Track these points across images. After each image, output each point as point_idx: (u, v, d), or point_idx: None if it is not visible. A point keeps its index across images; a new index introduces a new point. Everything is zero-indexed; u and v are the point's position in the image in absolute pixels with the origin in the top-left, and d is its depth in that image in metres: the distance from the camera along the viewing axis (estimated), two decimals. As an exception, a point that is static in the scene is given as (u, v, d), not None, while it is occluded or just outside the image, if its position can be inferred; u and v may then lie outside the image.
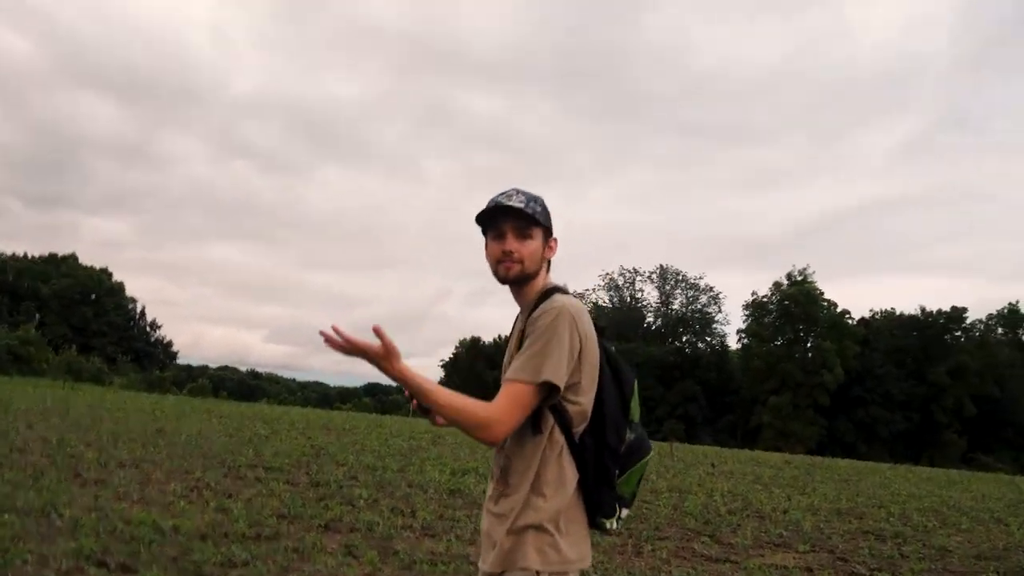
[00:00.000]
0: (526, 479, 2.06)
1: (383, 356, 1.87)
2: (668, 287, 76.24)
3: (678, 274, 75.80)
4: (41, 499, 6.99)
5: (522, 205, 2.14)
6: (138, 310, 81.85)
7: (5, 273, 74.18)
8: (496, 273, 2.21)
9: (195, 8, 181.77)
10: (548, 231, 2.22)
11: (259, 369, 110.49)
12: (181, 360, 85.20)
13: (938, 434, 61.43)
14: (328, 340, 1.85)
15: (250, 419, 22.94)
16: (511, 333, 2.29)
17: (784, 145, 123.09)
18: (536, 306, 2.11)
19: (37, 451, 10.45)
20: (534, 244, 2.17)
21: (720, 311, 73.76)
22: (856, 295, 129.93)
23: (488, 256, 2.22)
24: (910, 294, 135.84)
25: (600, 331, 2.18)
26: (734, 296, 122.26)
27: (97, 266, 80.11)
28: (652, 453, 2.25)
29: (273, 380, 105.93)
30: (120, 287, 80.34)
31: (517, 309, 2.27)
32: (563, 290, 2.18)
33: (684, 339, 74.18)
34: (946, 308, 65.16)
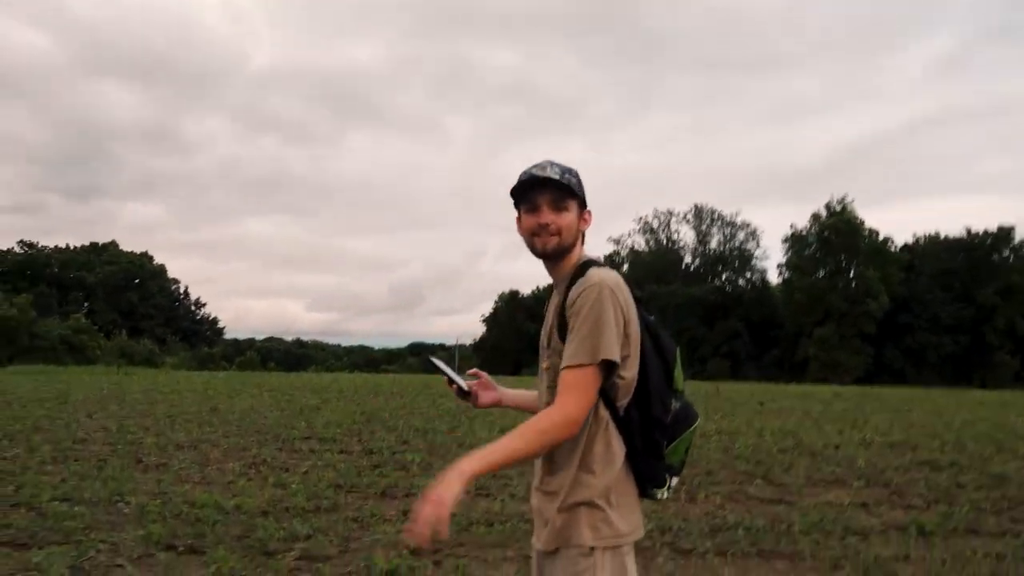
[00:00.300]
0: (574, 456, 2.06)
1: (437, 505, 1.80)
2: (704, 226, 75.45)
3: (713, 212, 74.94)
4: (107, 488, 7.23)
5: (557, 176, 2.12)
6: (182, 290, 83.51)
7: (51, 266, 75.84)
8: (532, 247, 2.19)
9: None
10: (583, 203, 2.19)
11: (304, 337, 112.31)
12: (228, 335, 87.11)
13: (989, 355, 60.47)
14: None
15: (299, 390, 23.37)
16: (547, 307, 2.29)
17: (812, 72, 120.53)
18: (572, 281, 2.09)
19: (99, 440, 10.78)
20: (570, 216, 2.15)
21: (758, 247, 72.97)
22: (899, 221, 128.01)
23: (522, 230, 2.20)
24: (955, 216, 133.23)
25: (638, 300, 2.17)
26: (772, 231, 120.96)
27: (137, 251, 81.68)
28: (699, 421, 2.24)
29: (319, 347, 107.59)
30: (162, 269, 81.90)
31: None
32: (598, 263, 2.15)
33: (724, 277, 73.55)
34: (992, 228, 63.69)
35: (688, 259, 76.02)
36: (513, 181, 2.20)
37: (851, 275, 63.72)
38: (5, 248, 76.72)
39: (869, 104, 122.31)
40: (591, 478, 2.04)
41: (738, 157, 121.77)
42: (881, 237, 64.49)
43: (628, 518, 2.08)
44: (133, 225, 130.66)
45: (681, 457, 2.21)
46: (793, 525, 6.40)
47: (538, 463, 2.22)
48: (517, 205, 2.22)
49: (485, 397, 2.52)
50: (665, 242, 76.57)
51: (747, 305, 67.99)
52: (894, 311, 60.84)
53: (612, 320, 1.98)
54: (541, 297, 72.13)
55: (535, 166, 2.16)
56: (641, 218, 77.29)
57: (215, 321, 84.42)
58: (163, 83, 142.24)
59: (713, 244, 75.05)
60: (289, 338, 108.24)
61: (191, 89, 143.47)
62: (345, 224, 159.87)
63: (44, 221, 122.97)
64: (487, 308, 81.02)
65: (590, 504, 2.03)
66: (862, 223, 64.09)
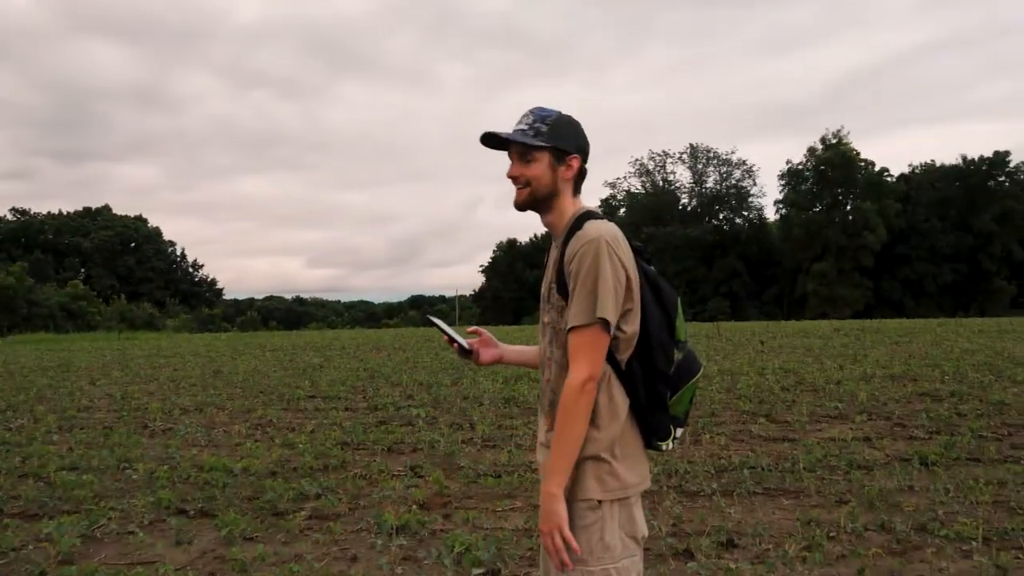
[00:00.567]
0: None
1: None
2: (700, 166, 74.97)
3: (709, 151, 74.37)
4: (115, 455, 7.27)
5: (517, 130, 2.12)
6: (179, 252, 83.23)
7: (45, 232, 75.50)
8: None
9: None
10: (560, 151, 2.12)
11: (304, 295, 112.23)
12: (227, 296, 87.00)
13: (987, 282, 60.76)
14: None
15: (302, 348, 23.45)
16: (547, 258, 2.25)
17: (804, 2, 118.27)
18: (570, 235, 2.05)
19: (104, 407, 10.83)
20: (539, 167, 2.11)
21: (755, 184, 72.61)
22: (894, 151, 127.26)
23: None
24: (950, 143, 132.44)
25: (638, 251, 2.13)
26: (769, 167, 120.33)
27: (132, 214, 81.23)
28: (702, 371, 2.22)
29: (319, 304, 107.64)
30: (157, 232, 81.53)
31: None
32: (596, 215, 2.11)
33: (721, 216, 73.34)
34: (988, 154, 63.34)
35: (685, 200, 75.77)
36: (507, 128, 2.16)
37: (848, 208, 63.62)
38: (-2, 216, 76.38)
39: (862, 32, 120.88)
40: (595, 432, 2.02)
41: (733, 92, 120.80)
42: (877, 169, 64.24)
43: (635, 469, 2.07)
44: (126, 188, 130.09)
45: (686, 407, 2.19)
46: (797, 462, 6.45)
47: (541, 418, 2.21)
48: None
49: (487, 354, 2.50)
50: (661, 183, 76.17)
51: (745, 243, 68.01)
52: (892, 243, 60.92)
53: (611, 277, 1.95)
54: (540, 245, 72.06)
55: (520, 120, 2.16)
56: (636, 160, 76.90)
57: (214, 282, 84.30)
58: (149, 40, 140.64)
59: (709, 183, 74.71)
60: (289, 296, 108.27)
61: (178, 46, 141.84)
62: (341, 178, 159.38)
63: (36, 186, 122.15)
64: (486, 258, 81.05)
65: (596, 458, 2.02)
66: (858, 155, 63.83)
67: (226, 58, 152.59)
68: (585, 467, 2.03)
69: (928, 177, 65.50)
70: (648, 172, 76.26)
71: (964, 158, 64.18)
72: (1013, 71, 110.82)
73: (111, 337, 37.81)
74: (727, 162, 73.92)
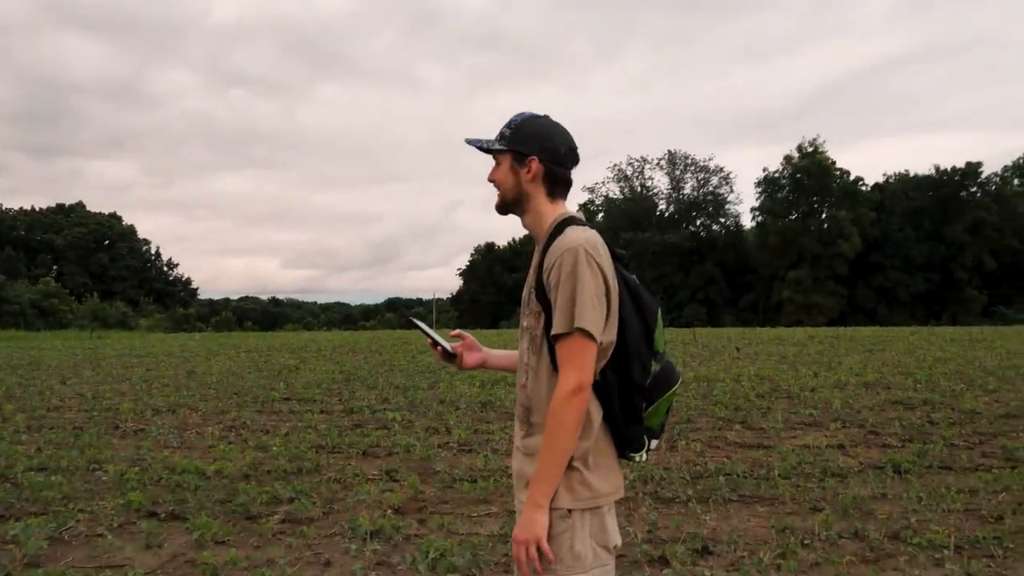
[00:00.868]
0: None
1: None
2: (678, 172, 75.24)
3: (687, 158, 74.68)
4: (84, 456, 7.16)
5: (482, 139, 2.16)
6: (153, 251, 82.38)
7: (16, 228, 74.48)
8: None
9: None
10: (518, 152, 2.11)
11: (280, 296, 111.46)
12: (202, 295, 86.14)
13: (959, 291, 61.48)
14: None
15: (277, 350, 23.27)
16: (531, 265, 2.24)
17: (784, 9, 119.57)
18: (550, 241, 2.04)
19: (74, 407, 10.67)
20: (501, 170, 2.14)
21: (732, 191, 72.93)
22: (869, 160, 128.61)
23: None
24: (924, 153, 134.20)
25: (619, 259, 2.11)
26: (746, 174, 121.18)
27: (106, 211, 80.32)
28: (680, 382, 2.20)
29: (295, 305, 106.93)
30: (132, 230, 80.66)
31: None
32: (577, 221, 2.09)
33: (698, 223, 73.65)
34: (960, 164, 64.16)
35: (663, 206, 75.99)
36: (486, 131, 2.17)
37: (823, 217, 64.18)
38: (-32, 212, 75.23)
39: (838, 42, 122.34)
40: None
41: (711, 99, 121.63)
42: (852, 178, 64.88)
43: (608, 479, 2.05)
44: (101, 184, 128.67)
45: (661, 419, 2.16)
46: (772, 469, 6.48)
47: (517, 423, 2.18)
48: None
49: (470, 358, 2.47)
50: (639, 189, 76.37)
51: (722, 250, 68.39)
52: (866, 251, 61.53)
53: (590, 285, 1.93)
54: (518, 249, 72.06)
55: None
56: (615, 165, 77.14)
57: (188, 281, 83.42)
58: (127, 36, 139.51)
59: (687, 190, 75.01)
60: (265, 297, 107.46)
61: (156, 42, 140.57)
62: (319, 178, 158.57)
63: (8, 182, 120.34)
64: (464, 261, 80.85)
65: (568, 466, 2.00)
66: (833, 164, 64.39)
67: (204, 55, 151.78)
68: None
69: (902, 187, 66.22)
70: (626, 178, 76.50)
71: (937, 168, 64.94)
72: (985, 83, 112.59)
73: (83, 336, 37.30)
74: (705, 169, 74.32)
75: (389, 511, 5.41)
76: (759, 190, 67.54)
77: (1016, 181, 66.41)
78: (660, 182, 77.00)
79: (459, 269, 79.56)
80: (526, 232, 2.22)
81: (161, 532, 4.98)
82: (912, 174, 66.93)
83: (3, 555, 4.52)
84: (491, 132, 2.18)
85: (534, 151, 2.10)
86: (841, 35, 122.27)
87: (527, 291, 2.14)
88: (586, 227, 2.05)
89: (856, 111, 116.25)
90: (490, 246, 77.33)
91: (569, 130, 2.18)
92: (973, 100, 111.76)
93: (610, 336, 2.01)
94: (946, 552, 4.46)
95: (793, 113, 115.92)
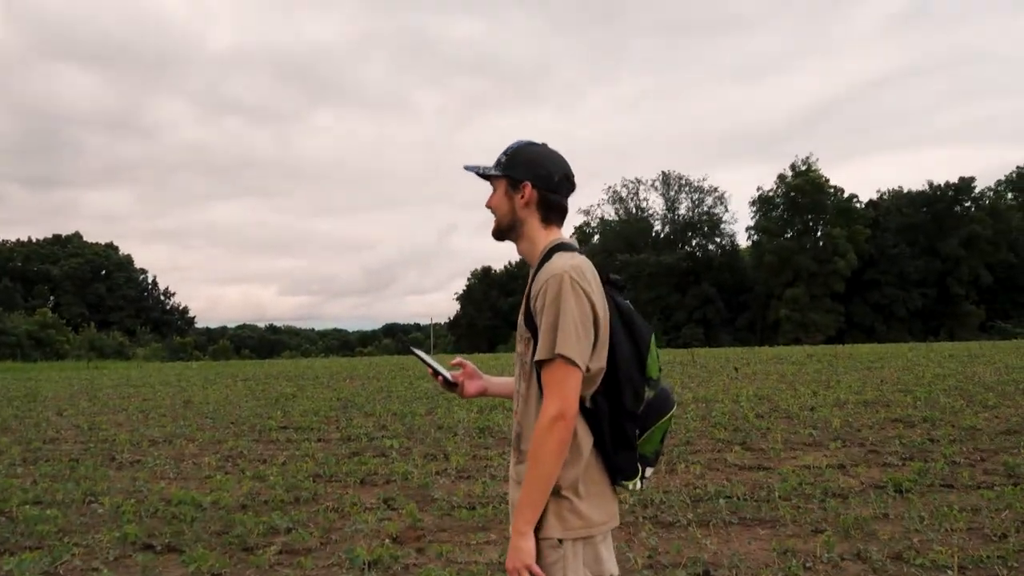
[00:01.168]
0: None
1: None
2: (672, 193, 75.56)
3: (681, 178, 75.04)
4: (80, 488, 7.10)
5: (480, 165, 2.18)
6: (150, 280, 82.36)
7: (13, 259, 74.44)
8: None
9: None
10: (512, 179, 2.11)
11: (277, 323, 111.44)
12: (199, 324, 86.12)
13: (956, 306, 61.61)
14: None
15: (274, 378, 23.19)
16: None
17: (772, 30, 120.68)
18: (539, 267, 2.03)
19: (71, 439, 10.61)
20: (496, 195, 2.16)
21: (727, 211, 73.29)
22: (862, 177, 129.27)
23: None
24: (917, 169, 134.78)
25: (613, 284, 2.10)
26: (740, 193, 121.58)
27: (102, 242, 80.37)
28: (675, 408, 2.18)
29: (292, 332, 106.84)
30: (128, 260, 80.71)
31: None
32: (567, 247, 2.08)
33: (694, 243, 73.85)
34: (954, 179, 64.52)
35: (658, 227, 76.24)
36: (480, 155, 2.17)
37: (818, 235, 64.40)
38: (-36, 244, 75.19)
39: (829, 61, 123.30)
40: None
41: (704, 120, 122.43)
42: (846, 195, 65.18)
43: (601, 507, 2.02)
44: (97, 215, 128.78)
45: (656, 447, 2.13)
46: (773, 491, 6.44)
47: (511, 450, 2.16)
48: None
49: (471, 387, 2.45)
50: (634, 210, 76.64)
51: (718, 270, 68.52)
52: (862, 268, 61.70)
53: (574, 312, 1.91)
54: (514, 273, 72.08)
55: None
56: (610, 187, 77.38)
57: (185, 311, 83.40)
58: (121, 67, 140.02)
59: (682, 210, 75.30)
60: (262, 324, 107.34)
61: (150, 73, 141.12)
62: (315, 205, 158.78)
63: (5, 213, 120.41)
64: (460, 286, 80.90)
65: (557, 495, 1.96)
66: (827, 182, 64.72)
67: (199, 85, 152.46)
68: (546, 504, 1.98)
69: (896, 203, 66.54)
70: (621, 199, 76.79)
71: (931, 184, 65.36)
72: (977, 98, 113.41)
73: (80, 366, 37.18)
74: (699, 189, 74.64)
75: (387, 540, 5.36)
76: (753, 209, 67.87)
77: (1010, 195, 66.85)
78: (655, 203, 77.41)
79: (456, 294, 79.75)
80: (519, 256, 2.22)
81: (157, 565, 4.93)
82: (906, 190, 67.41)
83: (-3, 592, 4.46)
84: (485, 157, 2.20)
85: (528, 177, 2.10)
86: (832, 53, 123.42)
87: (520, 318, 2.14)
88: (575, 253, 2.05)
89: (848, 128, 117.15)
90: (487, 270, 77.44)
91: (564, 154, 2.18)
92: (965, 115, 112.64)
93: (599, 363, 1.99)
94: (950, 572, 4.42)
95: (786, 131, 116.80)
